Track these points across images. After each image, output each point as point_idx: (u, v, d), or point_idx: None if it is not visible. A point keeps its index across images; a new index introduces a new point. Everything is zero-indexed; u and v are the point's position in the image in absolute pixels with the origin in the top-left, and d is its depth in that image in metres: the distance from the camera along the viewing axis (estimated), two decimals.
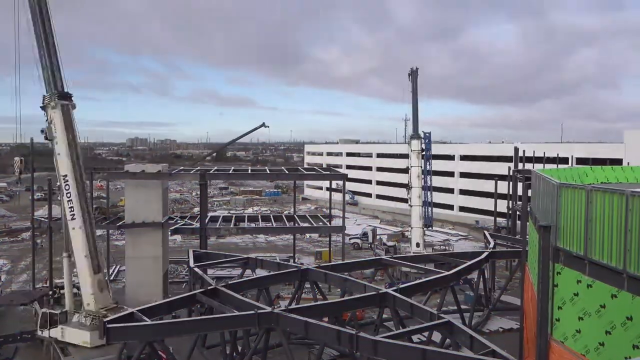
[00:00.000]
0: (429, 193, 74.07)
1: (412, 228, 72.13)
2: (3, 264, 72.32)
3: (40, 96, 40.15)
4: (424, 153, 73.19)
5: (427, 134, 77.55)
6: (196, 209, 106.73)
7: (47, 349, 39.76)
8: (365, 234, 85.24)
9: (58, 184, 40.77)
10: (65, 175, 39.53)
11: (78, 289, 41.86)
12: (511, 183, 68.87)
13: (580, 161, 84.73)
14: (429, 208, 74.73)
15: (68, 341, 37.86)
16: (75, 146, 40.33)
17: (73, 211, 39.58)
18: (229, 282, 38.44)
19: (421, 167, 73.14)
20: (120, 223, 55.09)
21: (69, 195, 39.55)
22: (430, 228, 78.82)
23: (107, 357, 34.48)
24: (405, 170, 75.18)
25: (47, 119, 39.85)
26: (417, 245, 70.50)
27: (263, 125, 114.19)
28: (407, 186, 73.51)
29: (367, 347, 24.78)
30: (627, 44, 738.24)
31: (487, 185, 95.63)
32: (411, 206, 72.17)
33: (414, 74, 72.49)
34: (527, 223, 34.51)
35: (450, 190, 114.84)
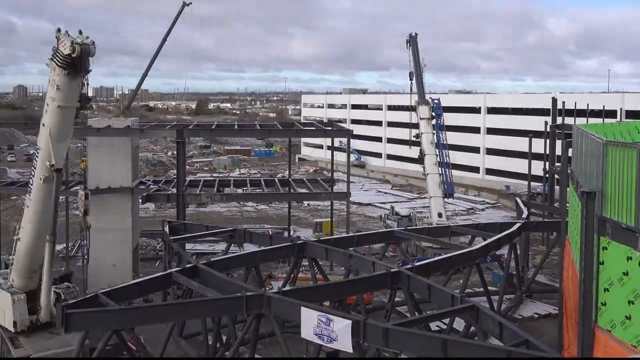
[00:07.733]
0: (447, 170, 74.56)
1: (430, 197, 72.19)
2: None
3: None
4: (434, 121, 74.00)
5: (436, 101, 77.29)
6: (172, 172, 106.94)
7: None
8: (398, 214, 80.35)
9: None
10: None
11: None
12: (548, 141, 68.57)
13: (631, 114, 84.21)
14: (448, 171, 74.74)
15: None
16: None
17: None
18: (212, 259, 38.46)
19: (434, 133, 73.47)
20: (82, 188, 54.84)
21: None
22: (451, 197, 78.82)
23: (65, 349, 34.45)
24: None
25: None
26: (439, 215, 70.42)
27: (184, 4, 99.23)
28: (418, 159, 74.03)
29: (376, 337, 24.76)
30: None
31: (520, 144, 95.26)
32: (426, 174, 72.22)
33: (413, 40, 76.53)
34: (567, 189, 34.33)
35: (476, 150, 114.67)
